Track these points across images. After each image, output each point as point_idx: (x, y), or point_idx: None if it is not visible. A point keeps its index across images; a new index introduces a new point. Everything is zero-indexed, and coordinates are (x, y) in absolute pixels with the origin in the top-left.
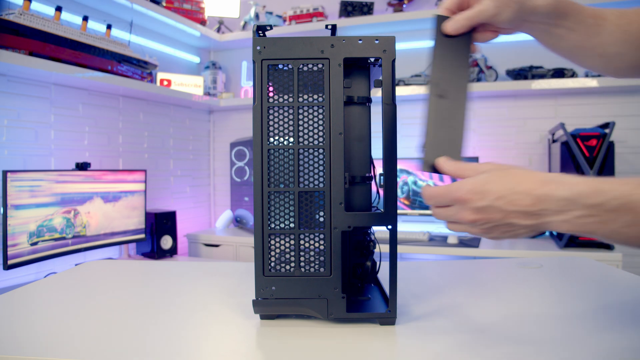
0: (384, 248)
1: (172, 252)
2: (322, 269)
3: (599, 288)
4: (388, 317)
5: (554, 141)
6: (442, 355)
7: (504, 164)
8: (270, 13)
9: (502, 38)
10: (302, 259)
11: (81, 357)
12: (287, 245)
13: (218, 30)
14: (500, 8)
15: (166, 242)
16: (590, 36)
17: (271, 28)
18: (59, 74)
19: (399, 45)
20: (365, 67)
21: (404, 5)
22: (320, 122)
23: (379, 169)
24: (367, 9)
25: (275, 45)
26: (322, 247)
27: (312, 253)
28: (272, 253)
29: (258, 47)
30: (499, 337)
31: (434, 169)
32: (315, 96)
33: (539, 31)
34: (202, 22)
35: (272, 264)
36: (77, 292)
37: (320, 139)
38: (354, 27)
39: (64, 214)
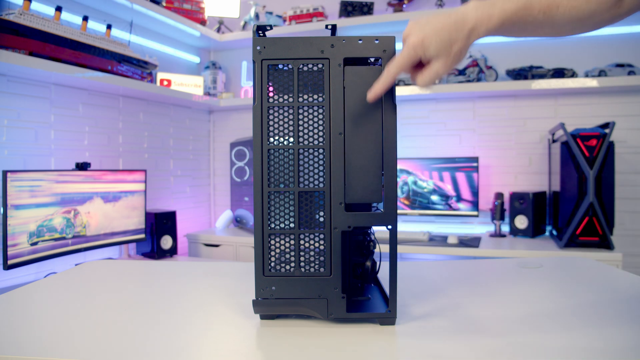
0: (384, 248)
1: (172, 252)
2: (322, 269)
3: (599, 288)
4: (388, 317)
5: (554, 141)
6: (442, 355)
7: None
8: (270, 13)
9: (502, 38)
10: (302, 259)
11: (81, 357)
12: (287, 245)
13: (218, 30)
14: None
15: (166, 242)
16: (543, 27)
17: (271, 28)
18: (59, 74)
19: (399, 46)
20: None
21: (404, 5)
22: (320, 122)
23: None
24: (367, 9)
25: (275, 45)
26: (322, 247)
27: (312, 253)
28: (272, 253)
29: (258, 47)
30: (499, 337)
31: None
32: (315, 96)
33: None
34: (202, 22)
35: (272, 264)
36: (77, 292)
37: (320, 139)
38: (354, 27)
39: (64, 214)
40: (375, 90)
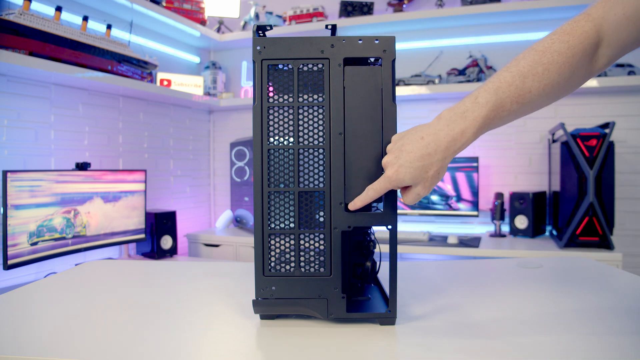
0: (384, 248)
1: (172, 252)
2: (322, 269)
3: (599, 288)
4: (388, 317)
5: (554, 141)
6: (442, 355)
7: None
8: (270, 13)
9: (502, 38)
10: (302, 259)
11: (81, 357)
12: (287, 245)
13: (218, 30)
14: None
15: (166, 242)
16: (521, 113)
17: (271, 28)
18: (59, 74)
19: (399, 45)
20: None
21: (404, 5)
22: (320, 122)
23: None
24: (367, 9)
25: (275, 45)
26: (322, 247)
27: (312, 253)
28: (272, 253)
29: (258, 47)
30: (499, 337)
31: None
32: (315, 96)
33: None
34: (202, 22)
35: (272, 264)
36: (77, 292)
37: (320, 139)
38: (354, 27)
39: (64, 214)
40: (355, 204)
